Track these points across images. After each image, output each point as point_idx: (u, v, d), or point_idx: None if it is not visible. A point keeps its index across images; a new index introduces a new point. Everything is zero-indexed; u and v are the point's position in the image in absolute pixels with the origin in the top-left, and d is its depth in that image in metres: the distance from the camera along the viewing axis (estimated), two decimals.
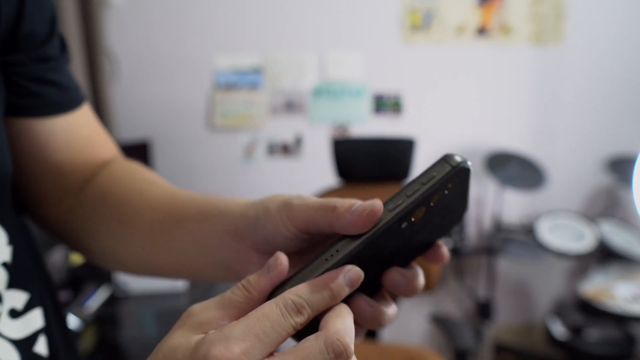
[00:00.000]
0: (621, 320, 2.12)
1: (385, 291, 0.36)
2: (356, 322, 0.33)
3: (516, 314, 2.59)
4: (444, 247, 0.36)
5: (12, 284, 0.40)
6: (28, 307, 0.42)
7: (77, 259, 1.70)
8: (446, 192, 0.32)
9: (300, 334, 0.29)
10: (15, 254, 0.41)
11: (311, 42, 2.28)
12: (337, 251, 0.31)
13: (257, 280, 0.31)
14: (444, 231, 0.37)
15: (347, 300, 0.32)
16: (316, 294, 0.29)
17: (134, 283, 1.64)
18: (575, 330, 2.13)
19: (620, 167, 2.33)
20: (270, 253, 0.34)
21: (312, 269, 0.31)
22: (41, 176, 0.49)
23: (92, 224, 0.49)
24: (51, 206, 0.51)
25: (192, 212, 0.44)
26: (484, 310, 2.33)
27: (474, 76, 2.37)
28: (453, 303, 2.54)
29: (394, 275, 0.34)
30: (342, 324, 0.28)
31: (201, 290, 1.57)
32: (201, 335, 0.28)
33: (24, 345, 0.41)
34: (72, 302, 1.53)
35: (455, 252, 2.36)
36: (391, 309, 0.34)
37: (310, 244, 0.37)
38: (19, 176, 0.48)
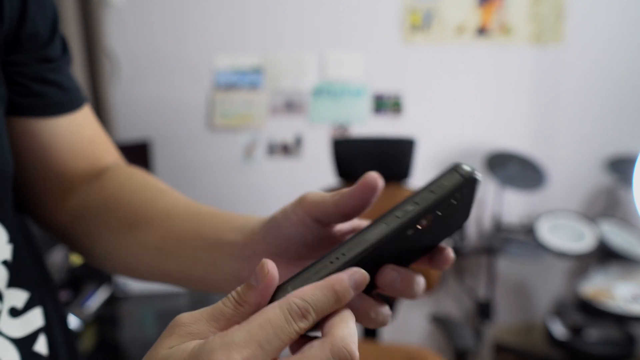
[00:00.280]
0: (621, 320, 2.12)
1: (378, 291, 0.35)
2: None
3: (516, 314, 2.59)
4: (449, 249, 0.36)
5: (13, 282, 0.41)
6: (28, 306, 0.42)
7: (77, 259, 1.70)
8: (454, 201, 0.32)
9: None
10: (16, 253, 0.41)
11: (311, 42, 2.29)
12: (342, 254, 0.31)
13: (247, 293, 0.29)
14: (446, 235, 0.37)
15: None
16: (322, 297, 0.28)
17: (134, 283, 1.64)
18: (575, 330, 2.13)
19: (620, 167, 2.33)
20: (285, 257, 0.35)
21: (315, 270, 0.31)
22: (43, 176, 0.49)
23: (97, 227, 0.49)
24: (52, 206, 0.51)
25: (211, 222, 0.44)
26: (484, 310, 2.33)
27: (474, 76, 2.37)
28: (453, 303, 2.54)
29: (388, 272, 0.33)
30: (347, 329, 0.28)
31: (201, 292, 1.57)
32: (198, 341, 0.27)
33: (24, 344, 0.41)
34: (72, 302, 1.53)
35: (455, 252, 2.36)
36: (386, 309, 0.34)
37: (323, 246, 0.38)
38: (20, 176, 0.48)
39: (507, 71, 2.37)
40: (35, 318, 0.42)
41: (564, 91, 2.41)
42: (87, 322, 1.46)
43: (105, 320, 1.51)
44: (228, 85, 2.28)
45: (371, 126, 2.35)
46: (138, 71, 2.25)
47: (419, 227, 0.32)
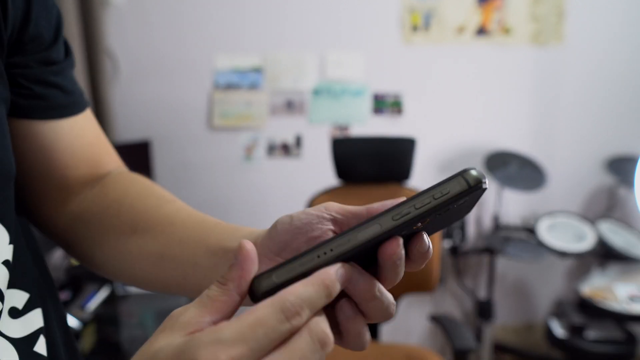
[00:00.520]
0: (621, 320, 2.12)
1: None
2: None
3: (516, 314, 2.59)
4: (424, 243, 0.35)
5: (13, 283, 0.41)
6: (28, 307, 0.42)
7: None
8: (455, 206, 0.32)
9: None
10: (17, 254, 0.41)
11: (311, 42, 2.29)
12: (330, 250, 0.31)
13: (229, 272, 0.30)
14: (441, 228, 0.37)
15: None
16: (314, 293, 0.28)
17: None
18: (575, 330, 2.13)
19: (620, 167, 2.33)
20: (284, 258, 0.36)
21: (301, 262, 0.31)
22: (44, 178, 0.49)
23: (98, 231, 0.49)
24: (52, 209, 0.51)
25: (215, 230, 0.44)
26: (484, 310, 2.33)
27: (474, 76, 2.37)
28: (453, 303, 2.54)
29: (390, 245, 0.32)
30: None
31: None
32: (185, 338, 0.27)
33: (24, 345, 0.41)
34: (72, 302, 1.53)
35: (455, 252, 2.36)
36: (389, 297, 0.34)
37: None
38: (22, 178, 0.48)
39: (507, 71, 2.37)
40: (35, 319, 0.42)
41: (564, 91, 2.41)
42: (86, 321, 1.46)
43: (105, 319, 1.51)
44: (228, 85, 2.28)
45: (371, 126, 2.35)
46: (138, 71, 2.25)
47: (415, 228, 0.32)
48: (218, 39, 2.25)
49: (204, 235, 0.44)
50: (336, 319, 0.33)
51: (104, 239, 0.49)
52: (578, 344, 2.11)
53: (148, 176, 0.55)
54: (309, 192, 2.06)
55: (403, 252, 0.32)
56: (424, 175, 2.37)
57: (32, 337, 0.42)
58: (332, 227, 0.36)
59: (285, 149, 2.35)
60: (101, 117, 2.07)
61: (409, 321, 2.52)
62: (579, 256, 2.21)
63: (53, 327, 0.45)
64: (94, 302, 1.55)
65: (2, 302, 0.39)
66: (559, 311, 2.34)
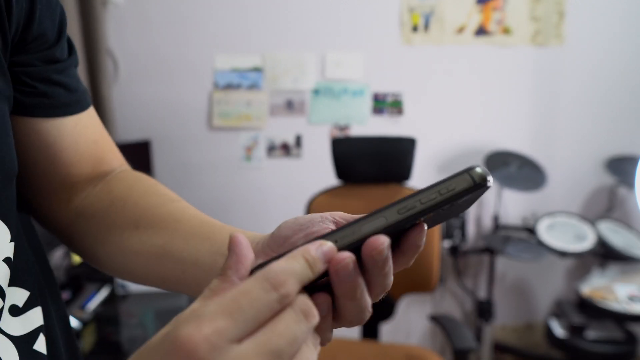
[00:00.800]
0: (621, 320, 2.12)
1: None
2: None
3: (516, 314, 2.59)
4: (418, 234, 0.34)
5: (14, 281, 0.41)
6: (28, 305, 0.42)
7: (77, 258, 1.70)
8: (459, 201, 0.32)
9: None
10: (18, 251, 0.41)
11: (311, 42, 2.29)
12: (335, 241, 0.31)
13: (226, 262, 0.30)
14: (439, 223, 0.37)
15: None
16: (295, 264, 0.28)
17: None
18: (575, 330, 2.13)
19: (620, 167, 2.33)
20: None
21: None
22: (47, 176, 0.50)
23: (101, 228, 0.49)
24: (55, 206, 0.52)
25: (221, 230, 0.45)
26: (484, 310, 2.33)
27: (473, 76, 2.37)
28: (453, 303, 2.54)
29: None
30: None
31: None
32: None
33: (24, 343, 0.41)
34: (72, 302, 1.53)
35: (455, 252, 2.36)
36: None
37: None
38: (26, 175, 0.49)
39: (507, 71, 2.37)
40: (35, 317, 0.43)
41: (564, 91, 2.41)
42: (86, 321, 1.46)
43: (105, 319, 1.51)
44: (228, 85, 2.28)
45: (371, 126, 2.35)
46: (138, 71, 2.25)
47: (418, 222, 0.33)
48: (218, 39, 2.25)
49: (210, 234, 0.44)
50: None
51: (107, 235, 0.49)
52: (578, 344, 2.11)
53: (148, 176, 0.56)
54: (309, 192, 2.06)
55: (389, 252, 0.32)
56: (424, 175, 2.37)
57: (32, 335, 0.42)
58: (333, 227, 0.37)
59: (285, 149, 2.35)
60: (101, 117, 2.06)
61: (409, 321, 2.53)
62: (579, 256, 2.21)
63: (53, 326, 0.45)
64: (94, 302, 1.55)
65: (3, 300, 0.39)
66: (559, 311, 2.34)
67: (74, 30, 1.85)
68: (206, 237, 0.44)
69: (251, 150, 2.34)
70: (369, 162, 1.72)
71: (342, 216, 0.38)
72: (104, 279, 1.69)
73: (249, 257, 0.30)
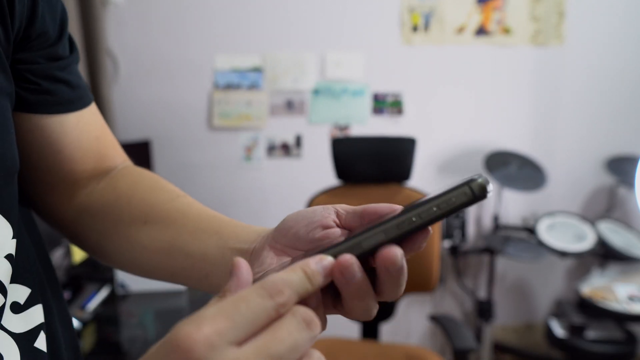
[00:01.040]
0: (621, 320, 2.12)
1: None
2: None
3: (516, 314, 2.59)
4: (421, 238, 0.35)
5: (15, 278, 0.41)
6: (29, 302, 0.42)
7: (77, 258, 1.70)
8: (457, 213, 0.33)
9: None
10: (20, 248, 0.42)
11: (311, 42, 2.29)
12: (335, 256, 0.32)
13: (226, 284, 0.30)
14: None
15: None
16: (294, 276, 0.29)
17: (134, 282, 1.64)
18: (575, 330, 2.13)
19: (620, 167, 2.33)
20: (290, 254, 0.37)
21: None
22: (51, 172, 0.50)
23: (107, 223, 0.50)
24: (59, 202, 0.52)
25: (228, 225, 0.46)
26: (484, 310, 2.33)
27: (474, 76, 2.37)
28: (453, 303, 2.54)
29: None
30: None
31: (200, 291, 1.57)
32: None
33: (25, 340, 0.41)
34: (72, 302, 1.53)
35: (455, 252, 2.36)
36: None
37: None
38: (28, 172, 0.49)
39: (507, 71, 2.37)
40: (35, 314, 0.43)
41: (563, 91, 2.41)
42: (86, 321, 1.46)
43: (105, 319, 1.51)
44: (228, 85, 2.28)
45: (371, 126, 2.35)
46: (138, 71, 2.25)
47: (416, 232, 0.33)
48: (218, 39, 2.25)
49: (218, 228, 0.45)
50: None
51: (113, 230, 0.50)
52: (578, 344, 2.11)
53: None
54: (309, 192, 2.06)
55: (404, 262, 0.32)
56: (424, 175, 2.37)
57: (33, 333, 0.42)
58: (334, 217, 0.38)
59: (285, 149, 2.35)
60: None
61: (409, 321, 2.53)
62: (579, 256, 2.21)
63: (54, 323, 0.45)
64: (94, 302, 1.55)
65: (5, 297, 0.39)
66: (559, 311, 2.34)
67: (74, 30, 1.85)
68: (214, 232, 0.45)
69: (251, 150, 2.34)
70: (369, 162, 1.72)
71: (344, 208, 0.39)
72: (104, 279, 1.69)
73: (248, 282, 0.31)
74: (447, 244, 2.36)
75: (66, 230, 0.54)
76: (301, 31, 2.28)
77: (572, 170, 2.47)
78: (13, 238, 0.40)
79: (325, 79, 2.31)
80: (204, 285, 0.45)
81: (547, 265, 2.54)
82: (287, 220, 0.40)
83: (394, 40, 2.31)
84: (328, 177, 2.18)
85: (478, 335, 2.38)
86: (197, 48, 2.25)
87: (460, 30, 2.31)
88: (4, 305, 0.39)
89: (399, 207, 0.35)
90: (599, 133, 2.45)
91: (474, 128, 2.40)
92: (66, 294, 1.56)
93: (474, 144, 2.40)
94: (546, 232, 2.22)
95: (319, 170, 2.32)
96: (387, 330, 2.47)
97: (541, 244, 2.18)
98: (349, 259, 0.31)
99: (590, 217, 2.42)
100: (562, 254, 2.13)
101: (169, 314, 1.53)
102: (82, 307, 1.50)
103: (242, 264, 0.31)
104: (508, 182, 2.19)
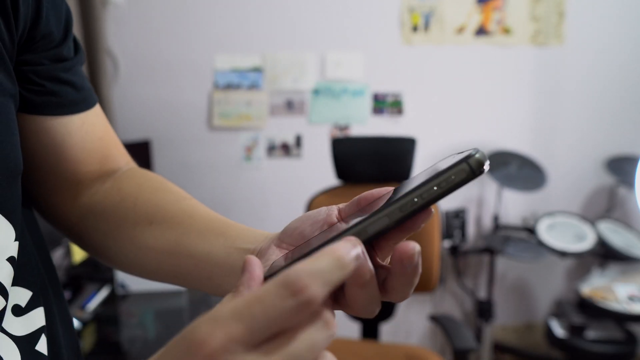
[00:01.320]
0: (621, 320, 2.12)
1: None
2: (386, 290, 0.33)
3: (516, 314, 2.59)
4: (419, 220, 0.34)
5: (17, 280, 0.41)
6: (31, 305, 0.42)
7: (77, 258, 1.70)
8: (456, 190, 0.33)
9: None
10: (22, 251, 0.41)
11: (311, 42, 2.29)
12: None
13: (239, 280, 0.30)
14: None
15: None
16: (324, 264, 0.25)
17: (134, 282, 1.64)
18: (575, 330, 2.13)
19: (620, 167, 2.33)
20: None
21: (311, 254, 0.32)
22: (56, 173, 0.50)
23: (112, 224, 0.50)
24: (63, 203, 0.52)
25: (234, 227, 0.46)
26: (484, 310, 2.33)
27: (473, 76, 2.37)
28: (453, 303, 2.54)
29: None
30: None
31: (201, 292, 1.57)
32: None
33: (26, 343, 0.41)
34: (72, 302, 1.53)
35: (455, 252, 2.36)
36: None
37: None
38: (33, 173, 0.49)
39: (507, 71, 2.37)
40: (37, 317, 0.43)
41: (564, 91, 2.41)
42: (86, 321, 1.46)
43: (105, 319, 1.51)
44: (228, 85, 2.28)
45: (371, 126, 2.35)
46: (138, 71, 2.25)
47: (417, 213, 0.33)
48: (218, 39, 2.25)
49: (223, 229, 0.45)
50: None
51: (118, 231, 0.49)
52: (578, 344, 2.11)
53: None
54: (309, 192, 2.06)
55: (419, 259, 0.31)
56: None
57: (34, 336, 0.42)
58: (336, 213, 0.39)
59: (285, 149, 2.35)
60: None
61: (409, 321, 2.53)
62: (579, 256, 2.21)
63: (55, 326, 0.45)
64: (94, 302, 1.55)
65: (6, 300, 0.39)
66: (559, 311, 2.34)
67: (74, 29, 1.85)
68: (220, 233, 0.45)
69: (251, 150, 2.34)
70: (369, 162, 1.72)
71: (345, 203, 0.39)
72: (104, 279, 1.69)
73: (261, 277, 0.30)
74: (447, 244, 2.36)
75: (70, 232, 0.54)
76: (301, 31, 2.28)
77: (572, 170, 2.47)
78: (15, 240, 0.40)
79: (325, 79, 2.31)
80: (207, 286, 0.45)
81: (547, 265, 2.54)
82: (292, 222, 0.40)
83: (394, 40, 2.31)
84: (328, 177, 2.18)
85: (478, 335, 2.38)
86: (197, 48, 2.25)
87: (460, 30, 2.31)
88: (5, 308, 0.39)
89: (391, 189, 0.36)
90: (599, 133, 2.45)
91: (474, 128, 2.40)
92: (66, 294, 1.56)
93: (474, 144, 2.40)
94: (546, 232, 2.22)
95: (319, 170, 2.32)
96: (387, 330, 2.47)
97: (541, 244, 2.18)
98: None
99: (590, 217, 2.42)
100: (562, 254, 2.13)
101: (169, 314, 1.53)
102: (82, 307, 1.50)
103: (254, 260, 0.31)
104: (508, 182, 2.19)
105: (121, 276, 1.64)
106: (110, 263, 0.52)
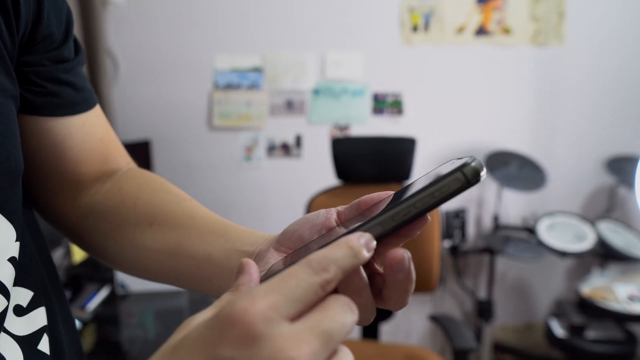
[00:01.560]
0: (621, 320, 2.12)
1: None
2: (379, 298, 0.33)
3: (516, 314, 2.59)
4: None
5: (18, 281, 0.41)
6: (32, 305, 0.42)
7: (77, 258, 1.70)
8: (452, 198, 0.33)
9: None
10: (23, 251, 0.42)
11: (311, 42, 2.29)
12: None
13: (238, 279, 0.31)
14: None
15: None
16: (338, 252, 0.28)
17: (134, 282, 1.64)
18: (575, 330, 2.13)
19: (620, 167, 2.33)
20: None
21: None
22: (56, 174, 0.50)
23: (112, 224, 0.50)
24: (63, 203, 0.52)
25: (235, 228, 0.46)
26: (484, 310, 2.33)
27: (473, 76, 2.37)
28: (453, 303, 2.54)
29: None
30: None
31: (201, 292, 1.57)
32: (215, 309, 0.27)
33: (28, 343, 0.41)
34: (72, 302, 1.53)
35: (455, 252, 2.36)
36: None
37: None
38: (34, 173, 0.49)
39: (507, 71, 2.37)
40: (38, 317, 0.43)
41: (564, 91, 2.41)
42: (86, 321, 1.46)
43: (105, 319, 1.51)
44: (228, 85, 2.28)
45: (371, 126, 2.35)
46: (138, 71, 2.25)
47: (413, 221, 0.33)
48: (218, 39, 2.25)
49: (224, 231, 0.45)
50: None
51: (118, 232, 0.50)
52: (578, 344, 2.11)
53: None
54: (309, 192, 2.06)
55: (411, 265, 0.32)
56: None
57: (36, 336, 0.42)
58: (336, 217, 0.39)
59: (285, 149, 2.35)
60: None
61: (409, 321, 2.53)
62: (579, 256, 2.21)
63: (57, 326, 0.45)
64: (94, 302, 1.55)
65: (8, 300, 0.39)
66: (559, 311, 2.34)
67: (74, 30, 1.85)
68: (221, 234, 0.45)
69: (251, 150, 2.34)
70: (369, 162, 1.72)
71: (343, 207, 0.40)
72: (104, 279, 1.69)
73: (257, 279, 0.31)
74: (447, 244, 2.36)
75: (70, 232, 0.54)
76: (301, 31, 2.28)
77: (572, 170, 2.47)
78: (16, 241, 0.40)
79: (325, 79, 2.31)
80: (207, 287, 0.45)
81: (547, 265, 2.54)
82: (291, 225, 0.40)
83: (394, 40, 2.31)
84: (328, 177, 2.18)
85: (478, 335, 2.38)
86: (197, 48, 2.25)
87: (460, 30, 2.31)
88: (7, 308, 0.39)
89: (391, 193, 0.36)
90: (599, 133, 2.45)
91: (474, 128, 2.40)
92: (66, 294, 1.56)
93: (474, 144, 2.40)
94: (546, 232, 2.22)
95: (319, 170, 2.32)
96: (387, 330, 2.47)
97: (541, 244, 2.18)
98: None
99: (590, 217, 2.42)
100: (562, 254, 2.13)
101: (169, 314, 1.53)
102: (82, 307, 1.50)
103: (251, 263, 0.31)
104: (508, 182, 2.19)
105: (121, 276, 1.64)
106: (111, 263, 0.52)
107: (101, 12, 2.07)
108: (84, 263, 1.73)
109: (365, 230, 0.32)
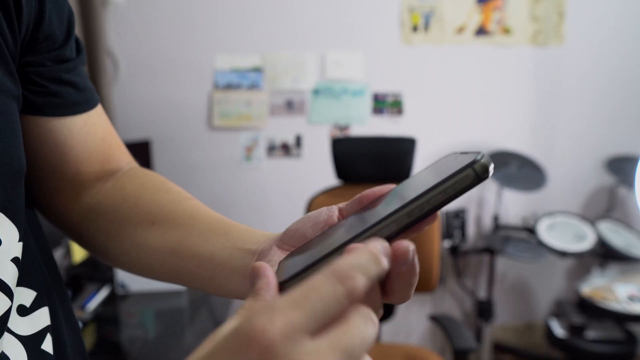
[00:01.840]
0: (621, 320, 2.12)
1: None
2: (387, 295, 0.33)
3: (516, 314, 2.59)
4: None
5: (22, 281, 0.41)
6: (35, 305, 0.42)
7: (77, 258, 1.70)
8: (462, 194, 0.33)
9: None
10: (26, 251, 0.42)
11: (311, 42, 2.29)
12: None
13: (257, 283, 0.30)
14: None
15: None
16: (362, 257, 0.27)
17: (134, 282, 1.64)
18: (575, 330, 2.13)
19: (620, 167, 2.33)
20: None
21: (319, 251, 0.33)
22: (58, 174, 0.51)
23: (114, 224, 0.50)
24: (65, 203, 0.52)
25: (237, 227, 0.46)
26: (484, 310, 2.33)
27: (473, 76, 2.37)
28: (453, 303, 2.54)
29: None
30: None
31: (201, 291, 1.57)
32: (238, 319, 0.26)
33: (32, 343, 0.41)
34: (72, 302, 1.53)
35: (455, 252, 2.36)
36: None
37: None
38: (35, 173, 0.49)
39: (507, 71, 2.37)
40: (42, 317, 0.43)
41: (563, 91, 2.41)
42: (86, 321, 1.46)
43: (105, 319, 1.51)
44: (228, 85, 2.28)
45: (371, 126, 2.35)
46: (138, 71, 2.25)
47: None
48: (218, 39, 2.25)
49: (225, 230, 0.45)
50: None
51: (120, 231, 0.50)
52: (578, 344, 2.11)
53: None
54: (309, 192, 2.06)
55: (415, 258, 0.31)
56: None
57: (40, 335, 0.42)
58: (337, 214, 0.39)
59: (285, 149, 2.35)
60: None
61: (409, 321, 2.53)
62: (579, 256, 2.21)
63: (60, 326, 0.45)
64: (94, 302, 1.55)
65: (11, 300, 0.39)
66: (559, 311, 2.34)
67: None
68: (222, 233, 0.45)
69: (251, 150, 2.34)
70: (369, 162, 1.72)
71: (345, 202, 0.40)
72: (104, 279, 1.69)
73: (275, 281, 0.31)
74: (447, 244, 2.36)
75: (72, 231, 0.54)
76: (301, 31, 2.28)
77: (572, 170, 2.47)
78: (19, 241, 0.40)
79: (325, 79, 2.31)
80: (208, 286, 0.45)
81: (547, 265, 2.54)
82: (293, 224, 0.40)
83: (394, 40, 2.31)
84: (328, 177, 2.18)
85: (478, 335, 2.38)
86: (197, 48, 2.25)
87: (460, 30, 2.31)
88: (10, 308, 0.39)
89: (393, 186, 0.36)
90: (599, 133, 2.45)
91: (474, 128, 2.40)
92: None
93: (474, 144, 2.40)
94: (546, 232, 2.22)
95: (319, 170, 2.32)
96: (387, 330, 2.47)
97: (541, 244, 2.18)
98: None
99: (590, 217, 2.42)
100: (562, 254, 2.13)
101: (169, 314, 1.52)
102: (82, 307, 1.50)
103: (265, 265, 0.31)
104: (508, 182, 2.19)
105: (121, 276, 1.64)
106: (112, 263, 0.52)
107: (101, 12, 2.07)
108: (84, 263, 1.73)
109: (381, 228, 0.32)
